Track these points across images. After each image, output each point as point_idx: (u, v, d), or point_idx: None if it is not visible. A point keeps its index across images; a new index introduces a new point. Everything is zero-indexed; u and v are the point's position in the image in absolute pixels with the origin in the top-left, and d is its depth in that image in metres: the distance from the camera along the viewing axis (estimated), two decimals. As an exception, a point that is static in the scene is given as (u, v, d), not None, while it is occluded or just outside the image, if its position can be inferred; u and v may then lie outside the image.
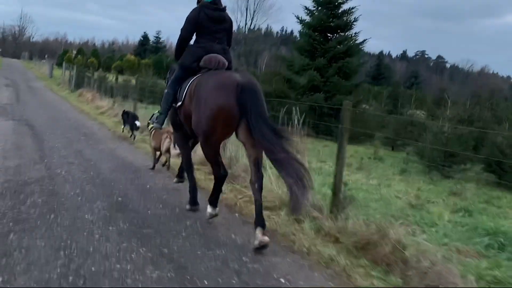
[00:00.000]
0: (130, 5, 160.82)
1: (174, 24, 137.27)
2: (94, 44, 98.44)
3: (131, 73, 50.56)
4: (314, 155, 12.69)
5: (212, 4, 4.76)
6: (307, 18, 17.64)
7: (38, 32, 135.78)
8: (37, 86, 25.01)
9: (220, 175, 4.32)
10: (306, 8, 17.59)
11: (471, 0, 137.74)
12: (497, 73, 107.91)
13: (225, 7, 4.93)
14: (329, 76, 16.37)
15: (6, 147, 7.39)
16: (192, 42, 4.91)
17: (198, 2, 4.92)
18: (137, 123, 9.52)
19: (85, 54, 62.52)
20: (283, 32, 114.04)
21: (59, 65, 50.72)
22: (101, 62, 59.31)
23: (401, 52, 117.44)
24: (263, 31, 66.03)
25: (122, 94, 19.02)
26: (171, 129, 5.65)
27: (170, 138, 6.27)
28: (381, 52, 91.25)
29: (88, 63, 50.51)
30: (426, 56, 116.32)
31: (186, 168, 5.10)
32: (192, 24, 4.73)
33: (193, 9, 4.78)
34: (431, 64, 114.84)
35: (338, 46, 16.99)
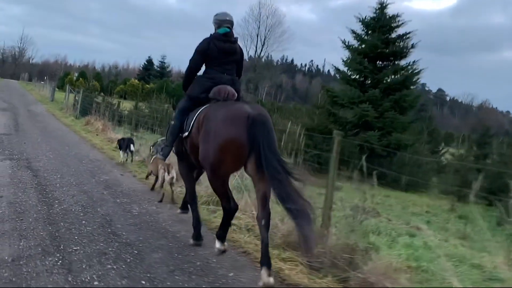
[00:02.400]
0: (131, 29, 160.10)
1: (174, 50, 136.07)
2: (94, 68, 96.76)
3: (135, 98, 48.40)
4: (385, 210, 10.25)
5: (223, 36, 4.68)
6: (355, 43, 15.40)
7: (38, 54, 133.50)
8: (37, 110, 22.53)
9: (230, 208, 4.10)
10: (354, 32, 15.35)
11: (468, 35, 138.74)
12: (496, 107, 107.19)
13: (236, 38, 4.83)
14: (384, 111, 13.98)
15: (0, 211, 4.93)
16: (201, 72, 4.85)
17: (215, 25, 4.84)
18: (132, 146, 9.56)
19: (87, 77, 60.34)
20: (284, 61, 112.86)
21: (60, 87, 48.52)
22: (103, 86, 57.09)
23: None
24: (263, 59, 64.00)
25: (139, 124, 16.71)
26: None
27: (165, 169, 6.54)
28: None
29: (91, 87, 48.18)
30: (426, 88, 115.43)
31: (190, 201, 4.91)
32: (201, 55, 4.69)
33: (203, 40, 4.70)
34: (431, 97, 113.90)
35: (393, 76, 14.70)
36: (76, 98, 23.08)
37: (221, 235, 4.16)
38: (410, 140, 14.19)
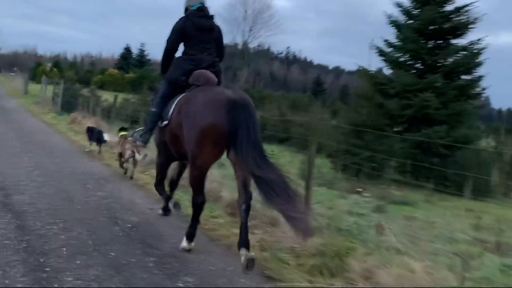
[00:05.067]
0: (101, 18, 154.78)
1: (147, 39, 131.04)
2: (66, 58, 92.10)
3: (116, 88, 44.91)
4: (499, 237, 7.67)
5: (199, 11, 4.48)
6: (402, 19, 12.68)
7: (5, 45, 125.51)
8: (10, 106, 19.26)
9: (201, 202, 3.92)
10: (400, 5, 12.63)
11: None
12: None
13: (213, 15, 4.60)
14: (447, 101, 11.37)
15: None
16: (180, 53, 4.57)
17: (186, 11, 4.59)
18: (104, 136, 9.17)
19: (62, 68, 56.22)
20: (260, 48, 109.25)
21: (32, 79, 44.65)
22: (80, 76, 53.16)
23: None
24: (240, 46, 60.60)
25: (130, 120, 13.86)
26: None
27: (133, 150, 6.60)
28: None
29: (67, 77, 44.45)
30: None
31: (158, 189, 4.95)
32: (178, 34, 4.45)
33: (180, 19, 4.51)
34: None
35: (455, 57, 12.04)
36: (56, 90, 19.86)
37: (190, 233, 3.97)
38: (478, 135, 11.74)
